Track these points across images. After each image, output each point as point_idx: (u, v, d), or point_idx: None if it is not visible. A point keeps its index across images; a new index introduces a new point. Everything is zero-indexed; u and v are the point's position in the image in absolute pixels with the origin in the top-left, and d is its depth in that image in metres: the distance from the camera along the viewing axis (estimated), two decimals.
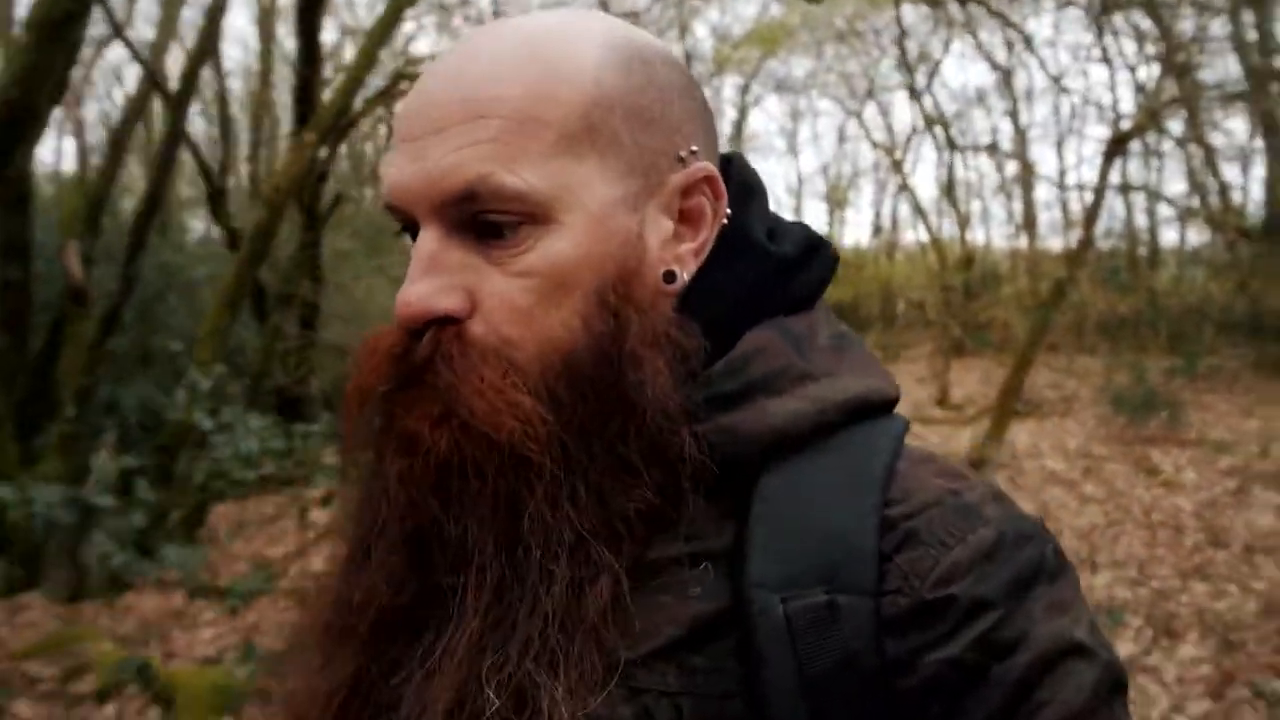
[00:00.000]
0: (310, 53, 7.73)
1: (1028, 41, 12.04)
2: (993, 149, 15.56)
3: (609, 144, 0.60)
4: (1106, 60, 13.30)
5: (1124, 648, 4.03)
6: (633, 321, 0.59)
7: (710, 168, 0.64)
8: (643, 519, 0.58)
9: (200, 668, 3.79)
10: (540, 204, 0.58)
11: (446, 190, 0.58)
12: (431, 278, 0.59)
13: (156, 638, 4.67)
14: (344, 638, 0.62)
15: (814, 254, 0.67)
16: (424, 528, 0.58)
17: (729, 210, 0.65)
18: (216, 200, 8.42)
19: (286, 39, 13.38)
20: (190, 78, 6.39)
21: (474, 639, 0.56)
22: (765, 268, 0.65)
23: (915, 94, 14.27)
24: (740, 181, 0.68)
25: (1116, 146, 7.98)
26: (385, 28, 7.19)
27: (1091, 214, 8.49)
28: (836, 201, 21.99)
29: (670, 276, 0.62)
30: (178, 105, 5.97)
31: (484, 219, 0.58)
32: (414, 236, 0.62)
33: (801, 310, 0.65)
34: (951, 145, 15.34)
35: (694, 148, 0.64)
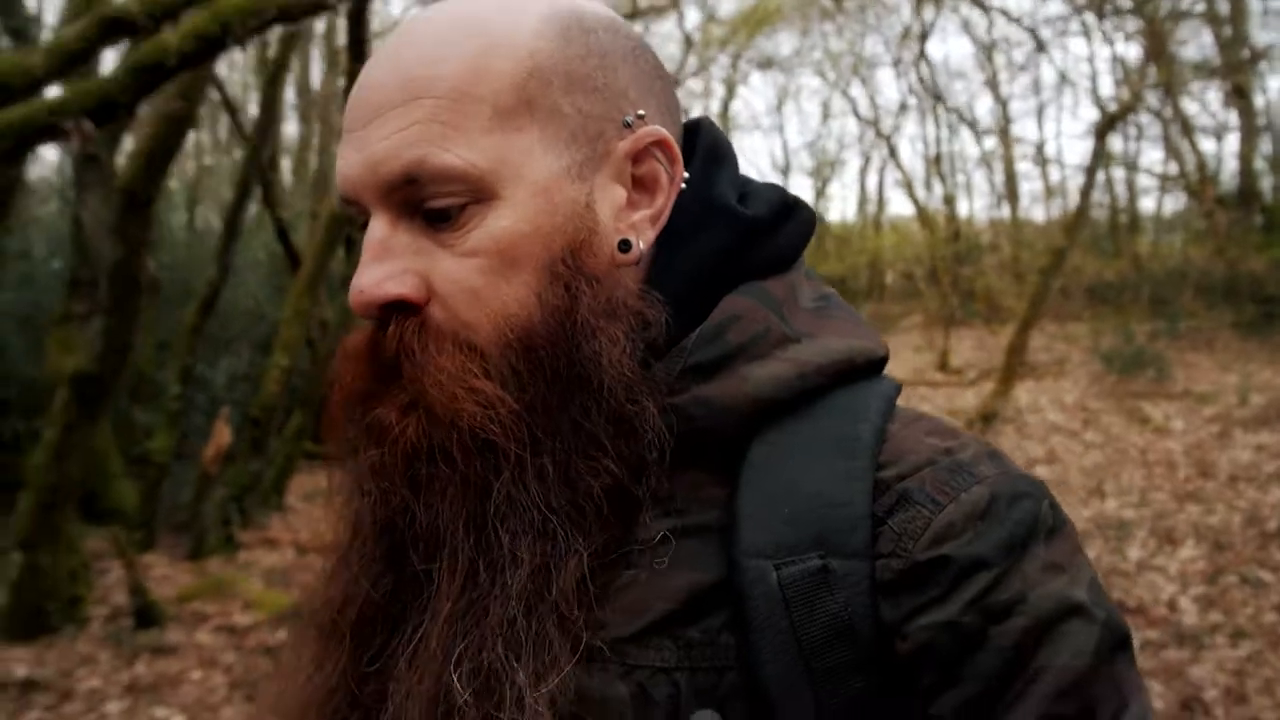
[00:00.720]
0: (358, 50, 8.29)
1: (1008, 16, 12.64)
2: (1004, 132, 15.96)
3: (548, 115, 0.58)
4: (1086, 34, 13.99)
5: (1134, 553, 4.79)
6: (584, 293, 0.58)
7: (660, 131, 0.61)
8: (612, 495, 0.57)
9: None
10: (480, 180, 0.57)
11: (387, 176, 0.57)
12: (381, 264, 0.58)
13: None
14: (332, 636, 0.62)
15: (789, 215, 0.65)
16: (397, 517, 0.58)
17: (688, 175, 0.64)
18: (268, 190, 8.99)
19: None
20: (269, 111, 7.08)
21: (448, 624, 0.56)
22: (736, 231, 0.62)
23: (923, 57, 14.63)
24: (708, 146, 0.66)
25: (1107, 127, 8.67)
26: None
27: (1086, 190, 9.16)
28: (823, 177, 22.48)
29: (625, 245, 0.60)
30: (258, 145, 6.69)
31: (428, 206, 0.57)
32: None
33: (779, 273, 0.64)
34: (947, 117, 15.79)
35: (641, 112, 0.62)
